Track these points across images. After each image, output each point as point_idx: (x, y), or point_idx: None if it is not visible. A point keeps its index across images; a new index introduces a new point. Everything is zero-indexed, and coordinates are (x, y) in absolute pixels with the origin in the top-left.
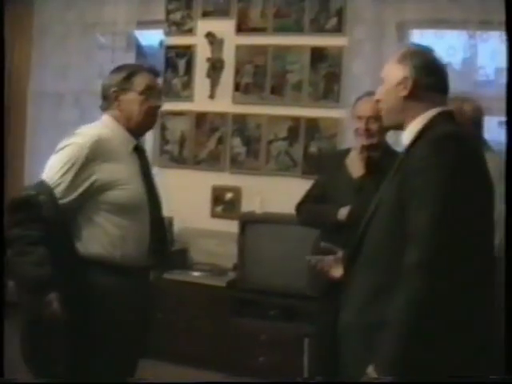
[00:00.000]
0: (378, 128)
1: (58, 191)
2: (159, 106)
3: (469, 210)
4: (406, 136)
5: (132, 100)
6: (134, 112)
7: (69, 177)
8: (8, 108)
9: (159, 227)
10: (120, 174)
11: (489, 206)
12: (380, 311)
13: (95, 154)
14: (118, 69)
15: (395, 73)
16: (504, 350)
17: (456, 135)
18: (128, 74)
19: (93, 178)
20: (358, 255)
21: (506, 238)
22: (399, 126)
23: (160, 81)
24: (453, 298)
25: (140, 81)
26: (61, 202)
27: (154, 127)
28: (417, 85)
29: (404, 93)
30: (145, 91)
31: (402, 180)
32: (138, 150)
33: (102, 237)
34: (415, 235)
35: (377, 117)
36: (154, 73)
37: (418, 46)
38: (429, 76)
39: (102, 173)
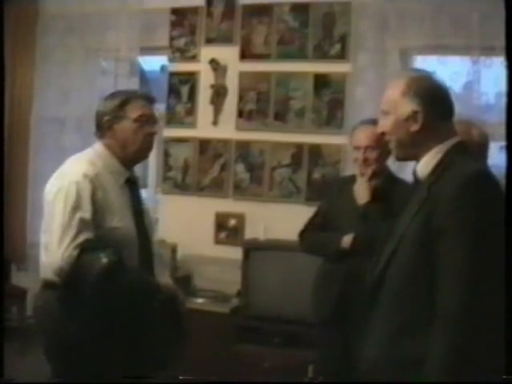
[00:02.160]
0: (376, 156)
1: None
2: (155, 133)
3: (500, 249)
4: (422, 169)
5: (126, 128)
6: (129, 141)
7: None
8: (11, 133)
9: (149, 262)
10: (108, 211)
11: None
12: (406, 350)
13: (82, 195)
14: (112, 96)
15: (402, 106)
16: (504, 350)
17: (485, 175)
18: (121, 101)
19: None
20: (379, 292)
21: (506, 242)
22: (413, 158)
23: (159, 108)
24: (489, 336)
25: (134, 108)
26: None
27: (149, 156)
28: (428, 117)
29: (415, 128)
30: (139, 119)
31: (427, 219)
32: (130, 182)
33: None
34: (448, 278)
35: (374, 146)
36: (149, 99)
37: (419, 72)
38: (438, 106)
39: (88, 212)
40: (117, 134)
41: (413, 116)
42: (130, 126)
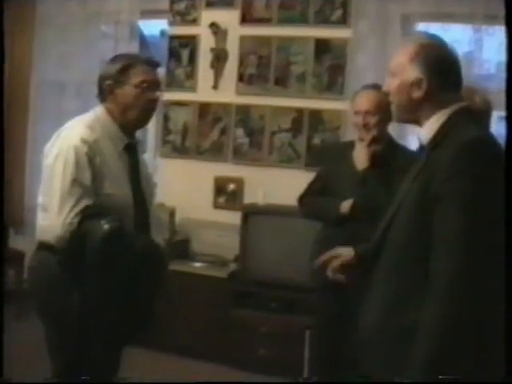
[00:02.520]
0: (376, 121)
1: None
2: (157, 100)
3: (497, 218)
4: (424, 134)
5: (127, 94)
6: (130, 106)
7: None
8: (10, 97)
9: (144, 228)
10: (105, 177)
11: None
12: (405, 317)
13: (81, 160)
14: (114, 59)
15: (408, 71)
16: (504, 350)
17: (484, 141)
18: (123, 65)
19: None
20: (378, 258)
21: (506, 234)
22: (412, 122)
23: (159, 72)
24: (481, 309)
25: (136, 73)
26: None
27: (150, 122)
28: (432, 85)
29: (419, 94)
30: (141, 84)
31: (425, 185)
32: (130, 148)
33: None
34: (443, 244)
35: (375, 111)
36: (152, 64)
37: (430, 37)
38: (444, 75)
39: (87, 178)
40: (118, 98)
41: (417, 83)
42: (131, 92)
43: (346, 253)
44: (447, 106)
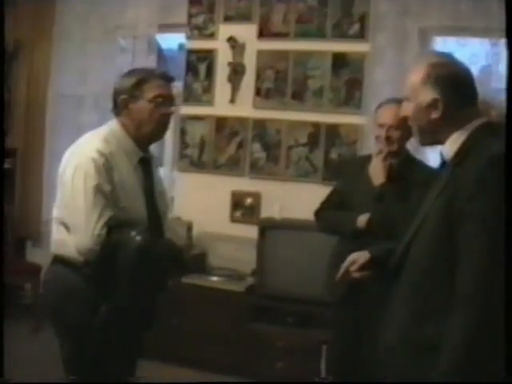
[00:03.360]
0: (399, 136)
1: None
2: (170, 114)
3: None
4: (446, 150)
5: (141, 108)
6: (144, 121)
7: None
8: (28, 110)
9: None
10: (120, 190)
11: None
12: (427, 332)
13: (100, 172)
14: (129, 74)
15: (423, 94)
16: (504, 350)
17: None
18: (138, 80)
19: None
20: (400, 273)
21: (506, 236)
22: (436, 143)
23: (174, 86)
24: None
25: (150, 88)
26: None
27: (164, 137)
28: (449, 104)
29: (436, 115)
30: (155, 99)
31: (449, 201)
32: (144, 162)
33: None
34: (470, 259)
35: (398, 125)
36: (167, 79)
37: (440, 56)
38: (459, 92)
39: (108, 189)
40: (132, 113)
41: (433, 104)
42: (145, 106)
43: (361, 256)
44: (468, 123)
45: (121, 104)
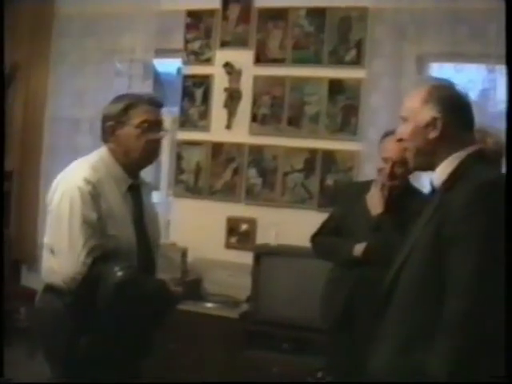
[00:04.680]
0: (403, 172)
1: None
2: (158, 140)
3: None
4: (437, 177)
5: (128, 134)
6: (131, 147)
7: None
8: (24, 133)
9: (149, 270)
10: (108, 218)
11: None
12: (416, 357)
13: (86, 200)
14: (117, 99)
15: (422, 113)
16: (504, 350)
17: (496, 183)
18: (125, 106)
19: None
20: (391, 298)
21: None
22: (429, 168)
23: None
24: (495, 343)
25: (137, 114)
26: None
27: (153, 162)
28: (447, 125)
29: (434, 134)
30: (141, 125)
31: (438, 227)
32: (133, 189)
33: None
34: (457, 285)
35: (403, 161)
36: (155, 104)
37: (440, 80)
38: (457, 114)
39: (93, 218)
40: (119, 139)
41: (432, 123)
42: (131, 132)
43: None
44: (461, 149)
45: (108, 130)
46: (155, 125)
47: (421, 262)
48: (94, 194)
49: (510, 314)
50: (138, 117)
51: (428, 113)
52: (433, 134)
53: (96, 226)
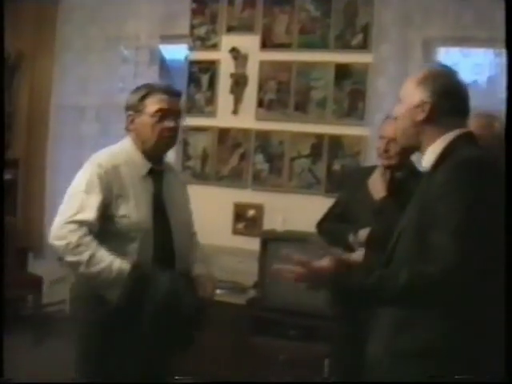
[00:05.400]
0: (398, 150)
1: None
2: (174, 128)
3: (489, 234)
4: (426, 159)
5: (144, 123)
6: (148, 135)
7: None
8: (30, 121)
9: (168, 254)
10: (123, 201)
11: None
12: (409, 340)
13: (93, 181)
14: (136, 89)
15: (414, 95)
16: (504, 350)
17: (479, 159)
18: (142, 95)
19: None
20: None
21: (506, 237)
22: (415, 148)
23: (179, 100)
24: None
25: (152, 103)
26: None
27: (171, 147)
28: (435, 109)
29: (421, 117)
30: (156, 113)
31: (423, 206)
32: (155, 173)
33: None
34: (434, 256)
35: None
36: (171, 93)
37: (441, 66)
38: (448, 100)
39: (95, 198)
40: (138, 128)
41: (421, 105)
42: (147, 121)
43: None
44: (449, 132)
45: (128, 120)
46: (171, 113)
47: (410, 244)
48: (103, 178)
49: (510, 314)
50: (152, 106)
51: (418, 95)
52: (420, 116)
53: (94, 205)
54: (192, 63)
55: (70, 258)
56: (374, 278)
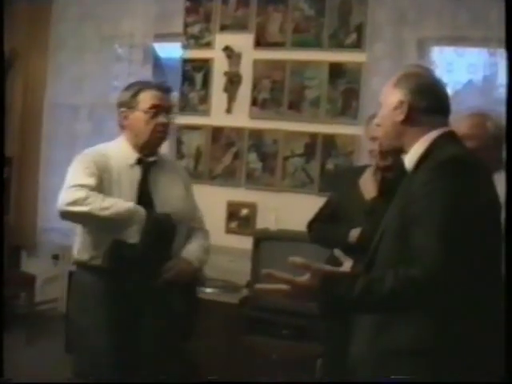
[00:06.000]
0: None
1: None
2: (167, 124)
3: (474, 234)
4: (409, 159)
5: (138, 119)
6: (141, 130)
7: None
8: (24, 119)
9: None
10: (109, 188)
11: (496, 230)
12: (392, 339)
13: (88, 163)
14: (128, 86)
15: (391, 96)
16: (504, 350)
17: (460, 159)
18: (135, 92)
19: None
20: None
21: (506, 237)
22: (398, 151)
23: (172, 97)
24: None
25: (145, 99)
26: None
27: (163, 143)
28: (413, 108)
29: (400, 117)
30: (149, 110)
31: (404, 206)
32: (144, 163)
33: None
34: (418, 257)
35: None
36: (163, 89)
37: (416, 67)
38: (425, 99)
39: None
40: (131, 124)
41: (399, 106)
42: (141, 117)
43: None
44: (430, 131)
45: (121, 117)
46: (163, 109)
47: (390, 244)
48: (92, 166)
49: (510, 314)
50: (146, 102)
51: (395, 96)
52: (399, 117)
53: (91, 178)
54: (186, 61)
55: (83, 208)
56: (360, 286)
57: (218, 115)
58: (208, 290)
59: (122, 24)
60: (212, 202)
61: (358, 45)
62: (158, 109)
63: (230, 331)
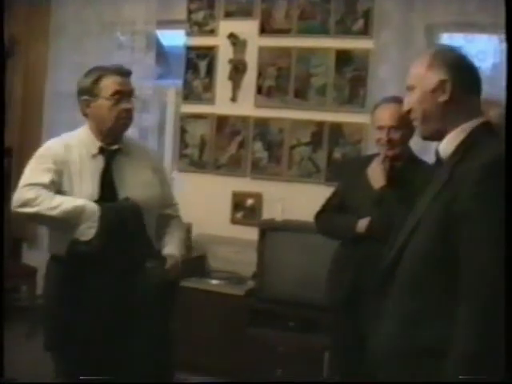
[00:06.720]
0: (400, 137)
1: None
2: (130, 109)
3: None
4: (444, 148)
5: (101, 106)
6: (105, 117)
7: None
8: (24, 108)
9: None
10: (69, 178)
11: None
12: (421, 334)
13: (55, 161)
14: (88, 73)
15: (429, 78)
16: (504, 350)
17: (504, 158)
18: (96, 78)
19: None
20: (394, 275)
21: (506, 237)
22: (438, 136)
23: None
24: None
25: (107, 85)
26: None
27: (127, 129)
28: (456, 87)
29: (444, 97)
30: (112, 96)
31: (449, 202)
32: (106, 152)
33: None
34: (473, 263)
35: (398, 125)
36: (124, 73)
37: (446, 46)
38: (465, 76)
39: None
40: (94, 111)
41: (441, 86)
42: (104, 104)
43: None
44: (470, 119)
45: (83, 105)
46: (126, 94)
47: (427, 238)
48: (54, 155)
49: (510, 314)
50: (108, 88)
51: (435, 76)
52: (443, 98)
53: (46, 174)
54: (189, 49)
55: (32, 210)
56: None
57: (222, 104)
58: (213, 282)
59: (124, 10)
60: (217, 192)
61: (365, 31)
62: (121, 94)
63: (236, 323)
